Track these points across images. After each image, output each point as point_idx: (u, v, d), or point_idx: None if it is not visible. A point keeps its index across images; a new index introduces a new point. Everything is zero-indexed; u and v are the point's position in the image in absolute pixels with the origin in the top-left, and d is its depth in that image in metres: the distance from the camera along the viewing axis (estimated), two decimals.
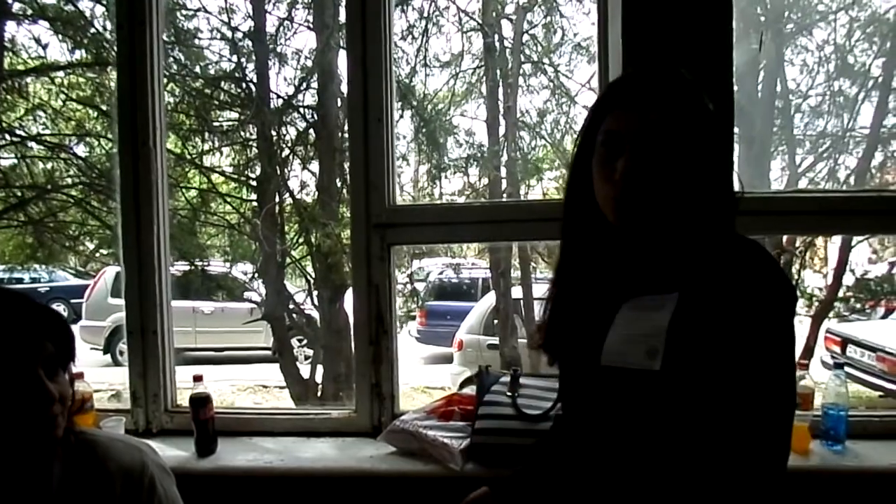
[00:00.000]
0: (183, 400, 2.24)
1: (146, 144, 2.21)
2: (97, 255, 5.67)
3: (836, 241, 5.37)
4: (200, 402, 2.04)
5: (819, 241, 5.74)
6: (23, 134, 4.73)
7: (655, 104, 1.10)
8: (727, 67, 1.85)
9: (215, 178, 4.83)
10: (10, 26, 4.51)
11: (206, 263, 4.81)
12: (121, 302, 2.30)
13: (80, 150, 4.88)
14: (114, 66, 2.28)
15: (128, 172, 2.22)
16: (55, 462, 1.19)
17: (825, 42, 5.54)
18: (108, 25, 4.27)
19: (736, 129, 5.23)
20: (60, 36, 4.39)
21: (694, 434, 1.05)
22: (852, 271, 5.41)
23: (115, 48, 2.24)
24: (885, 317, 5.84)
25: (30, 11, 4.42)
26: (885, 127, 5.22)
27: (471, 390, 2.08)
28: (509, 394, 1.93)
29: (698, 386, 1.04)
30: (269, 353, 5.33)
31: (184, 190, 4.73)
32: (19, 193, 4.73)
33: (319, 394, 4.55)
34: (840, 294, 5.53)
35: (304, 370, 4.84)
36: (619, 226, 1.14)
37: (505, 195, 4.91)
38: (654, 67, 1.17)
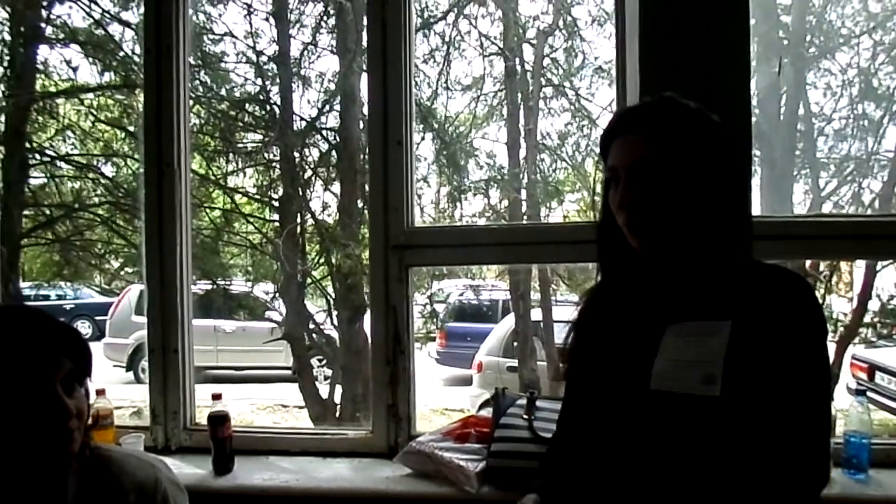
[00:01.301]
0: (202, 418, 2.26)
1: (171, 165, 2.26)
2: (122, 273, 5.75)
3: (861, 265, 5.29)
4: (219, 420, 2.06)
5: (844, 265, 5.66)
6: (52, 154, 4.83)
7: (637, 134, 1.19)
8: (745, 90, 1.86)
9: (238, 198, 4.88)
10: (43, 49, 4.64)
11: (228, 283, 4.86)
12: (144, 320, 2.33)
13: (108, 169, 4.97)
14: (141, 89, 2.33)
15: (152, 192, 2.27)
16: (70, 476, 1.21)
17: (849, 65, 5.52)
18: (137, 49, 4.36)
19: (758, 153, 5.24)
20: (90, 59, 4.49)
21: (748, 457, 1.09)
22: (878, 296, 5.33)
23: (143, 72, 2.30)
24: None
25: (61, 35, 4.53)
26: None
27: (488, 412, 2.08)
28: (525, 417, 1.93)
29: (754, 411, 1.09)
30: (288, 372, 5.34)
31: (208, 210, 4.80)
32: (48, 212, 4.82)
33: (338, 414, 4.55)
34: (866, 320, 5.44)
35: (324, 390, 4.84)
36: (641, 250, 1.21)
37: (525, 217, 4.92)
38: (649, 99, 1.25)
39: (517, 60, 5.02)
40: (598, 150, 1.30)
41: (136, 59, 4.33)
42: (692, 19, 1.85)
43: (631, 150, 1.19)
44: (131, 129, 4.61)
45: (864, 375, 5.69)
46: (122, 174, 4.92)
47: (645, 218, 1.18)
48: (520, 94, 5.07)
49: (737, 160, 1.22)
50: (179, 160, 2.27)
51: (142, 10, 2.31)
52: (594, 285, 1.40)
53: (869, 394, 5.46)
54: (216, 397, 2.11)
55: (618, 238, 1.24)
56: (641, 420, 1.17)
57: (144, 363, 2.45)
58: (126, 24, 4.45)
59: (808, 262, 4.74)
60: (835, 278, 5.61)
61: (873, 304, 5.34)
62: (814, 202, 5.36)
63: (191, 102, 4.14)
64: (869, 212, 5.23)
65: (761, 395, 1.09)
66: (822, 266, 5.12)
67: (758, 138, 5.06)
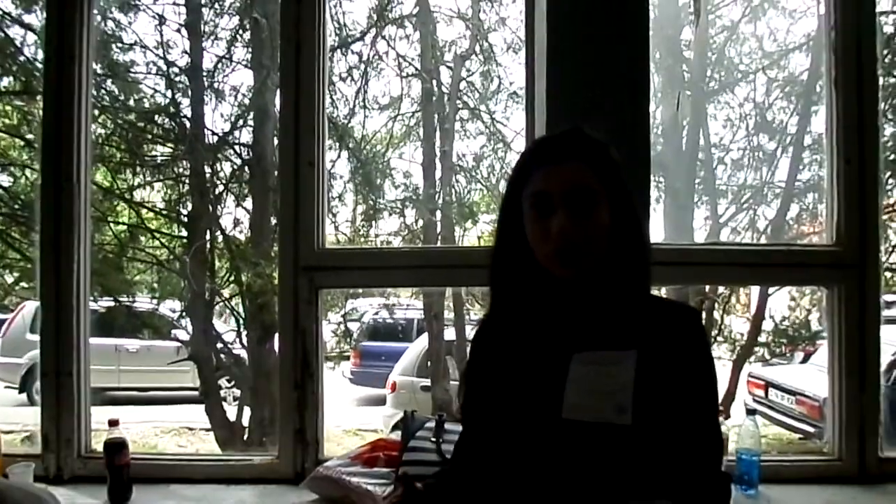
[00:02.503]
0: (98, 444, 2.15)
1: (70, 179, 2.16)
2: (16, 288, 5.43)
3: (756, 289, 5.59)
4: (115, 447, 1.97)
5: (742, 288, 5.97)
6: None
7: (574, 162, 1.20)
8: (645, 118, 1.94)
9: (145, 213, 4.71)
10: None
11: (131, 300, 4.67)
12: (38, 339, 2.21)
13: (3, 179, 4.71)
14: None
15: (49, 206, 2.16)
16: None
17: (746, 99, 5.88)
18: (39, 54, 4.17)
19: (661, 181, 5.47)
20: None
21: (657, 481, 1.14)
22: (772, 317, 5.64)
23: (43, 79, 2.20)
24: (804, 361, 6.07)
25: None
26: (799, 181, 5.52)
27: (397, 436, 2.07)
28: (434, 439, 1.93)
29: (660, 437, 1.15)
30: (195, 393, 5.16)
31: (112, 224, 4.60)
32: None
33: (246, 437, 4.43)
34: (761, 339, 5.75)
35: (232, 412, 4.71)
36: (563, 276, 1.21)
37: (440, 237, 4.96)
38: (568, 129, 1.26)
39: (434, 83, 5.09)
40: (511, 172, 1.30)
41: (38, 64, 4.14)
42: (595, 50, 1.92)
43: (572, 177, 1.19)
44: (30, 137, 4.38)
45: (760, 392, 5.99)
46: (20, 184, 4.67)
47: (579, 247, 1.18)
48: (436, 116, 5.14)
49: (641, 190, 1.27)
50: (79, 173, 2.18)
51: (44, 14, 2.21)
52: (484, 318, 1.39)
53: (764, 410, 5.71)
54: (113, 423, 2.01)
55: (517, 266, 1.25)
56: (554, 448, 1.18)
57: (39, 385, 2.33)
58: (28, 27, 4.26)
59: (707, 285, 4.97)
60: (733, 299, 5.90)
61: (768, 325, 5.65)
62: (713, 228, 5.65)
63: (96, 112, 4.01)
64: (763, 238, 5.55)
65: (665, 421, 1.15)
66: (721, 289, 5.38)
67: (661, 167, 5.32)
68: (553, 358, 1.22)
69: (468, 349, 1.39)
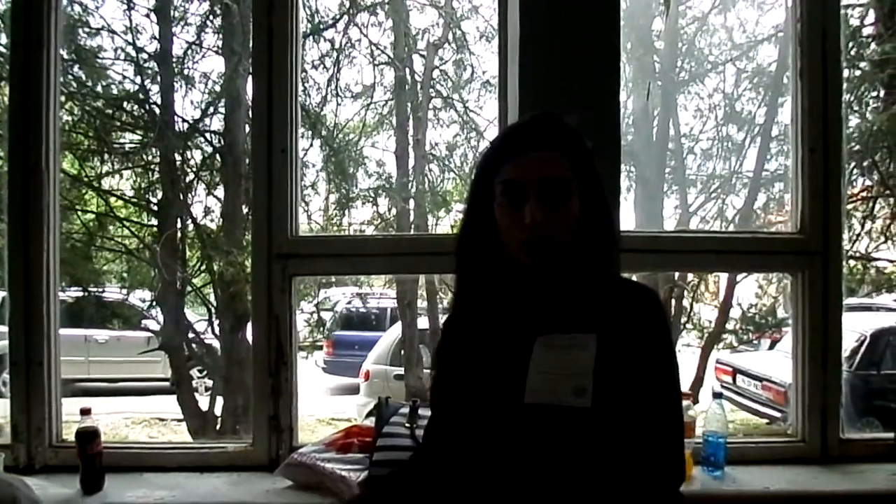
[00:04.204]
0: (69, 434, 2.13)
1: (38, 165, 2.12)
2: None
3: (724, 276, 5.70)
4: (87, 436, 1.95)
5: (710, 276, 6.07)
6: None
7: (548, 151, 1.21)
8: (615, 111, 1.97)
9: (114, 201, 4.64)
10: None
11: (101, 290, 4.61)
12: (5, 329, 2.18)
13: None
14: (7, 82, 2.19)
15: (16, 194, 2.12)
16: None
17: (715, 90, 5.96)
18: (3, 39, 4.08)
19: (632, 170, 5.53)
20: None
21: (614, 461, 1.16)
22: (739, 305, 5.75)
23: (9, 65, 2.16)
24: (770, 348, 6.21)
25: None
26: (767, 170, 5.63)
27: (371, 422, 2.08)
28: (408, 425, 1.94)
29: (618, 419, 1.16)
30: (167, 384, 5.12)
31: (80, 213, 4.53)
32: None
33: (218, 427, 4.41)
34: (729, 326, 5.86)
35: (204, 402, 4.68)
36: (531, 266, 1.22)
37: (413, 226, 4.96)
38: (541, 116, 1.26)
39: (407, 71, 5.08)
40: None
41: (3, 49, 4.05)
42: (567, 39, 1.94)
43: (547, 166, 1.19)
44: None
45: (727, 378, 6.12)
46: None
47: (549, 238, 1.19)
48: (409, 104, 5.14)
49: (612, 178, 1.29)
50: (48, 160, 2.14)
51: None
52: (452, 303, 1.39)
53: (732, 395, 5.83)
54: (85, 412, 1.99)
55: (484, 252, 1.26)
56: (517, 433, 1.20)
57: (6, 375, 2.29)
58: None
59: (676, 273, 5.05)
60: (702, 287, 6.00)
61: (735, 312, 5.76)
62: (682, 217, 5.74)
63: (62, 99, 3.93)
64: (731, 227, 5.65)
65: (624, 403, 1.17)
66: (690, 276, 5.46)
67: (631, 156, 5.39)
68: (517, 342, 1.24)
69: (440, 335, 1.41)
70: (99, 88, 4.42)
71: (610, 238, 1.28)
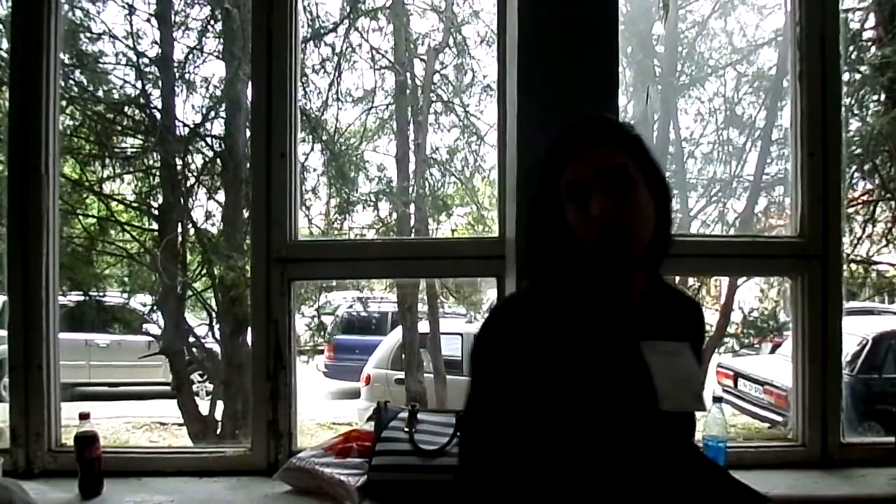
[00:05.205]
0: (69, 439, 2.13)
1: (38, 170, 2.13)
2: None
3: (725, 280, 5.69)
4: (86, 441, 1.95)
5: (712, 279, 6.07)
6: None
7: (601, 145, 1.21)
8: (615, 116, 1.97)
9: (115, 205, 4.65)
10: None
11: (101, 294, 4.61)
12: (4, 334, 2.18)
13: None
14: (7, 87, 2.20)
15: (16, 199, 2.13)
16: None
17: (716, 94, 5.96)
18: (5, 44, 4.09)
19: None
20: None
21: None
22: (741, 309, 5.74)
23: (9, 70, 2.16)
24: (772, 352, 6.20)
25: None
26: (767, 174, 5.63)
27: (371, 427, 2.08)
28: (407, 429, 1.94)
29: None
30: (167, 388, 5.12)
31: (81, 217, 4.53)
32: None
33: (219, 431, 4.41)
34: (730, 331, 5.85)
35: (204, 406, 4.67)
36: (607, 258, 1.19)
37: (413, 230, 4.96)
38: (588, 115, 1.27)
39: (408, 75, 5.08)
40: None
41: (4, 54, 4.06)
42: (566, 44, 1.94)
43: (601, 158, 1.19)
44: None
45: (729, 382, 6.11)
46: None
47: (622, 227, 1.17)
48: (410, 109, 5.13)
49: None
50: (48, 165, 2.15)
51: (9, 3, 2.17)
52: (514, 314, 1.26)
53: (733, 400, 5.81)
54: (84, 416, 1.99)
55: (564, 257, 1.23)
56: (654, 440, 1.20)
57: (6, 380, 2.29)
58: None
59: (677, 277, 5.04)
60: (703, 291, 6.00)
61: (737, 316, 5.76)
62: (682, 221, 5.72)
63: (63, 103, 3.94)
64: (732, 231, 5.65)
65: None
66: (692, 281, 5.46)
67: None
68: (617, 347, 1.21)
69: (485, 353, 1.25)
70: (100, 93, 4.41)
71: (670, 235, 1.28)
